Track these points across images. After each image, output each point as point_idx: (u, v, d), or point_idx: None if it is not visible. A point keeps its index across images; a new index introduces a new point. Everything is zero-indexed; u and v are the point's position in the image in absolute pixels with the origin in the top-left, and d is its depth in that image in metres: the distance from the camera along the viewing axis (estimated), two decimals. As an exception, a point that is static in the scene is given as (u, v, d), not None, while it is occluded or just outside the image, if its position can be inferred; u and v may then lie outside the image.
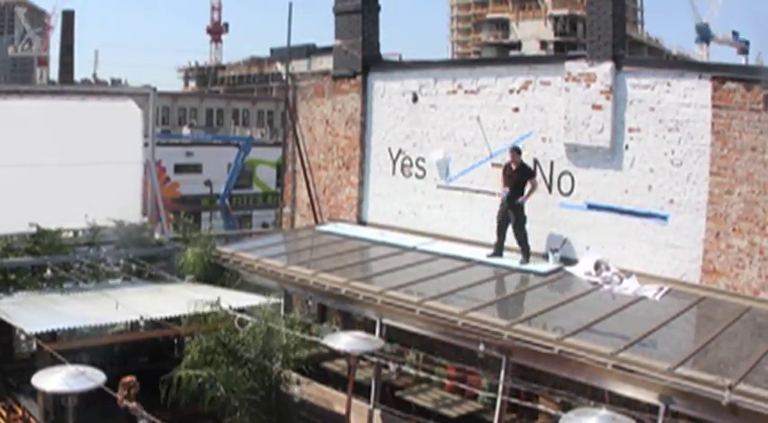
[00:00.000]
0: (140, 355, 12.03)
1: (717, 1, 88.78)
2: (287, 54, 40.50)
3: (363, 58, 15.52)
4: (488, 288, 11.98)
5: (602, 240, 11.93)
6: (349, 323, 13.19)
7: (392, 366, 10.64)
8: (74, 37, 28.72)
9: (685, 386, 7.95)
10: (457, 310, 10.29)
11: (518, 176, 12.23)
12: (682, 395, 8.00)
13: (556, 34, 72.94)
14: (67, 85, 26.37)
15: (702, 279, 10.87)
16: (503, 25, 79.36)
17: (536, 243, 12.57)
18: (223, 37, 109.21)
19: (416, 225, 14.47)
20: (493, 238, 12.57)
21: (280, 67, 78.56)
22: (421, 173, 14.60)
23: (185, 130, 50.79)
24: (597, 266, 11.53)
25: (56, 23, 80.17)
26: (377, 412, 10.88)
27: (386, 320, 10.97)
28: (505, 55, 60.36)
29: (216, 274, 13.46)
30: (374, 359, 10.58)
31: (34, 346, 10.97)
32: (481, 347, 9.75)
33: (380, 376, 11.15)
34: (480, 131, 13.50)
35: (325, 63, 52.88)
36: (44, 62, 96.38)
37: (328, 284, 11.88)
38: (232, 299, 11.15)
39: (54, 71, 62.87)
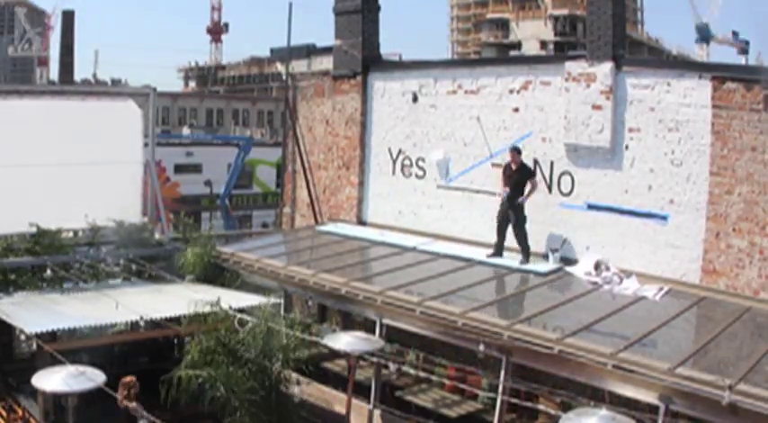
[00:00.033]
0: (140, 355, 12.03)
1: (717, 1, 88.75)
2: (287, 54, 40.50)
3: (363, 58, 15.52)
4: (488, 288, 11.98)
5: (602, 240, 11.93)
6: (349, 323, 13.19)
7: (392, 366, 10.64)
8: (74, 37, 28.73)
9: (685, 386, 7.95)
10: (457, 310, 10.29)
11: (518, 176, 12.23)
12: (682, 395, 8.01)
13: (556, 34, 72.94)
14: (67, 85, 26.37)
15: (702, 279, 10.87)
16: (503, 25, 79.37)
17: (536, 243, 12.58)
18: (223, 37, 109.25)
19: (416, 225, 14.47)
20: (493, 238, 12.56)
21: (280, 67, 78.56)
22: (421, 173, 14.60)
23: (185, 130, 50.80)
24: (597, 266, 11.54)
25: (56, 23, 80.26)
26: (377, 412, 10.88)
27: (386, 320, 10.97)
28: (505, 55, 60.37)
29: (216, 274, 13.46)
30: (374, 359, 10.58)
31: (34, 346, 10.97)
32: (481, 347, 9.75)
33: (380, 376, 11.15)
34: (480, 131, 13.50)
35: (325, 63, 52.89)
36: (44, 62, 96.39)
37: (328, 284, 11.88)
38: (232, 299, 11.14)
39: (54, 71, 62.93)
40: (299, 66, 68.55)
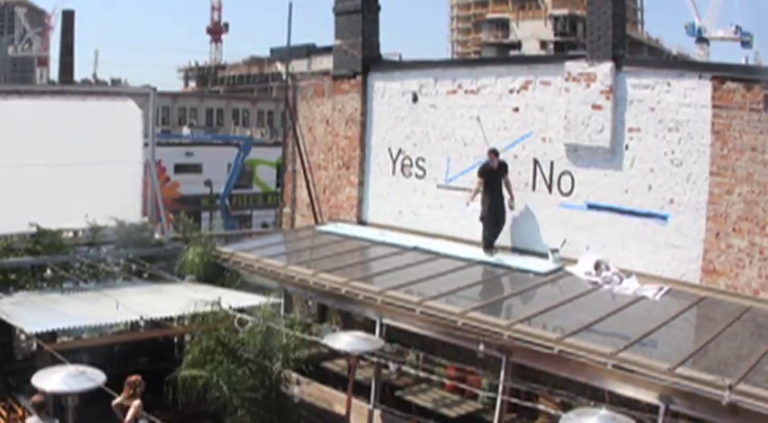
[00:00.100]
0: (140, 355, 12.04)
1: (716, 2, 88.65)
2: (287, 54, 40.50)
3: (363, 58, 15.51)
4: (488, 288, 11.99)
5: (602, 240, 11.92)
6: (349, 323, 13.19)
7: (392, 366, 10.66)
8: (74, 37, 28.69)
9: (685, 386, 7.95)
10: (457, 309, 10.29)
11: (500, 176, 12.54)
12: (682, 395, 8.01)
13: (556, 34, 72.97)
14: (67, 85, 26.36)
15: (702, 279, 10.86)
16: (503, 25, 79.39)
17: (536, 243, 12.60)
18: (223, 37, 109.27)
19: (416, 225, 14.46)
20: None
21: (280, 67, 78.57)
22: (421, 173, 14.60)
23: (185, 130, 50.81)
24: (597, 266, 11.53)
25: (56, 23, 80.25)
26: (377, 412, 10.88)
27: (386, 320, 10.97)
28: (505, 55, 60.37)
29: (216, 274, 13.47)
30: (374, 359, 10.59)
31: (34, 346, 10.98)
32: (481, 347, 9.75)
33: (380, 376, 11.15)
34: (480, 131, 13.50)
35: (325, 63, 52.90)
36: (44, 62, 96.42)
37: (328, 284, 11.88)
38: (232, 299, 11.16)
39: (54, 71, 62.95)
40: (299, 66, 68.58)
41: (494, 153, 12.61)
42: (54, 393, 8.69)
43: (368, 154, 15.56)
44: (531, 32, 74.85)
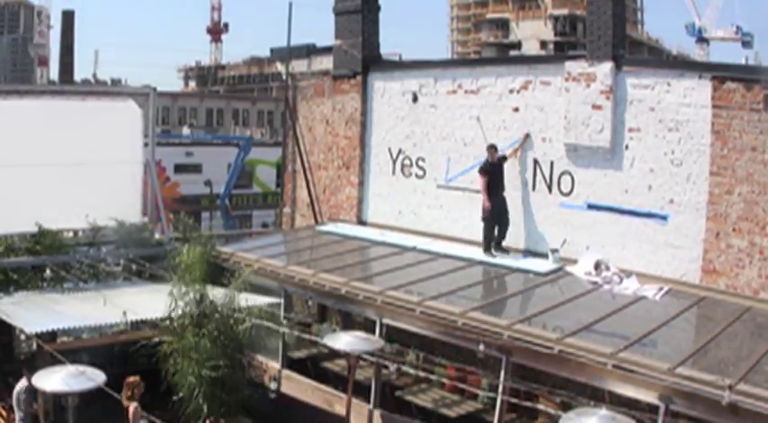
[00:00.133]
0: (140, 355, 12.03)
1: (716, 3, 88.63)
2: (287, 54, 40.49)
3: (363, 58, 15.51)
4: (488, 288, 12.00)
5: (602, 240, 11.92)
6: (349, 323, 13.19)
7: (392, 366, 10.65)
8: (74, 37, 28.79)
9: (685, 386, 7.95)
10: (457, 309, 10.28)
11: (502, 169, 12.62)
12: (682, 395, 8.01)
13: (556, 34, 72.90)
14: (67, 85, 26.39)
15: (702, 279, 10.86)
16: (503, 25, 79.33)
17: (536, 243, 12.61)
18: (223, 37, 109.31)
19: (416, 225, 14.46)
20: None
21: (280, 67, 78.57)
22: (421, 173, 14.60)
23: (185, 130, 50.76)
24: (597, 266, 11.53)
25: (55, 23, 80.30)
26: (377, 412, 10.88)
27: (386, 320, 10.97)
28: (505, 55, 60.32)
29: (216, 274, 13.46)
30: (374, 359, 10.59)
31: (34, 346, 10.98)
32: (481, 347, 9.75)
33: (380, 376, 11.14)
34: (480, 131, 13.50)
35: (325, 63, 52.89)
36: (44, 62, 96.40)
37: (328, 284, 11.88)
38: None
39: (54, 71, 63.00)
40: (299, 66, 68.57)
41: (493, 148, 12.63)
42: (54, 393, 8.69)
43: (368, 154, 15.56)
44: (531, 32, 74.80)
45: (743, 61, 45.64)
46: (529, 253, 12.65)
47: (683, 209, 11.09)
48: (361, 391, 11.00)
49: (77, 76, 42.75)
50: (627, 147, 11.69)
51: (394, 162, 15.06)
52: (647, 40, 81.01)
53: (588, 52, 12.11)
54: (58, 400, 9.34)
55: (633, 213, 11.61)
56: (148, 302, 11.43)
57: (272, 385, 11.90)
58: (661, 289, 10.84)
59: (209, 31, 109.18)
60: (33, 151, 13.42)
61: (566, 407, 8.83)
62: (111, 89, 32.40)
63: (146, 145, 15.40)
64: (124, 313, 10.53)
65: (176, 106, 61.60)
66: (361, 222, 15.57)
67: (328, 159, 16.30)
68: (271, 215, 26.89)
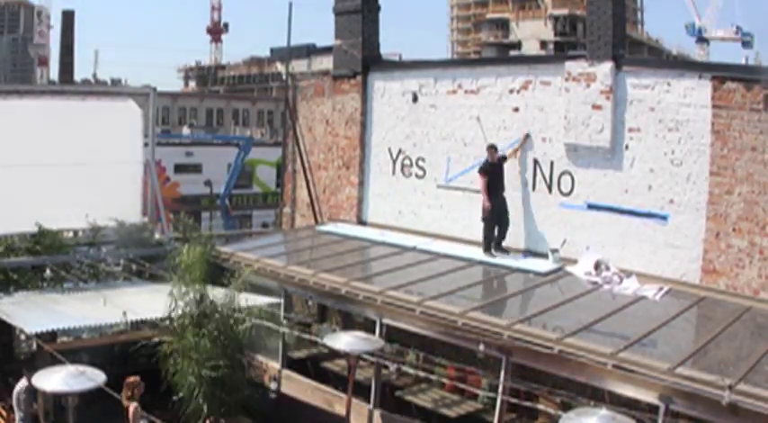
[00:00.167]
0: (140, 355, 12.03)
1: (716, 3, 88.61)
2: (287, 54, 40.49)
3: (363, 58, 15.51)
4: (488, 288, 11.99)
5: (602, 240, 11.92)
6: (349, 323, 13.19)
7: (392, 366, 10.65)
8: (74, 37, 28.80)
9: (685, 386, 7.95)
10: (457, 309, 10.28)
11: (502, 169, 12.63)
12: (682, 395, 8.00)
13: (556, 34, 72.89)
14: (67, 85, 26.39)
15: (702, 279, 10.86)
16: (503, 25, 79.32)
17: (536, 243, 12.61)
18: (223, 37, 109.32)
19: (416, 225, 14.46)
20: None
21: (280, 67, 78.59)
22: (421, 173, 14.60)
23: (185, 130, 50.75)
24: (597, 266, 11.53)
25: (55, 23, 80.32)
26: (377, 412, 10.88)
27: (386, 320, 10.97)
28: (505, 55, 60.31)
29: (216, 274, 13.46)
30: (374, 359, 10.59)
31: (34, 346, 10.98)
32: (481, 347, 9.75)
33: (380, 376, 11.15)
34: (480, 131, 13.50)
35: (325, 63, 52.91)
36: (44, 62, 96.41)
37: (328, 284, 11.88)
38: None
39: (54, 71, 63.01)
40: (299, 66, 68.58)
41: (493, 148, 12.63)
42: (54, 393, 8.69)
43: (368, 154, 15.56)
44: (531, 32, 74.79)
45: (743, 61, 45.61)
46: (529, 253, 12.65)
47: (683, 209, 11.09)
48: (361, 391, 11.00)
49: (77, 76, 42.78)
50: (627, 147, 11.69)
51: (394, 162, 15.06)
52: (647, 40, 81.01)
53: (588, 52, 12.11)
54: (58, 400, 9.34)
55: (633, 213, 11.61)
56: (148, 302, 11.42)
57: (272, 385, 11.91)
58: (661, 289, 10.84)
59: (209, 31, 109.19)
60: (33, 151, 13.41)
61: (566, 407, 8.83)
62: (111, 89, 32.41)
63: (146, 145, 15.40)
64: (124, 313, 10.54)
65: (176, 106, 61.61)
66: (361, 222, 15.57)
67: (328, 159, 16.30)
68: (271, 215, 26.89)
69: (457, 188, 13.89)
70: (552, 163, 12.56)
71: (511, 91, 13.08)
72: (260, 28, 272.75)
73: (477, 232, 12.88)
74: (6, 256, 12.95)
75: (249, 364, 11.65)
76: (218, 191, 33.43)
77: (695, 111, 10.90)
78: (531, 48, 71.82)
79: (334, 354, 11.67)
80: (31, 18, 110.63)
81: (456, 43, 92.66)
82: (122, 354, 11.83)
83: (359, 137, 15.60)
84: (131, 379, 9.76)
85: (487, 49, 75.69)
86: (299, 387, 12.07)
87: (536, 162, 12.74)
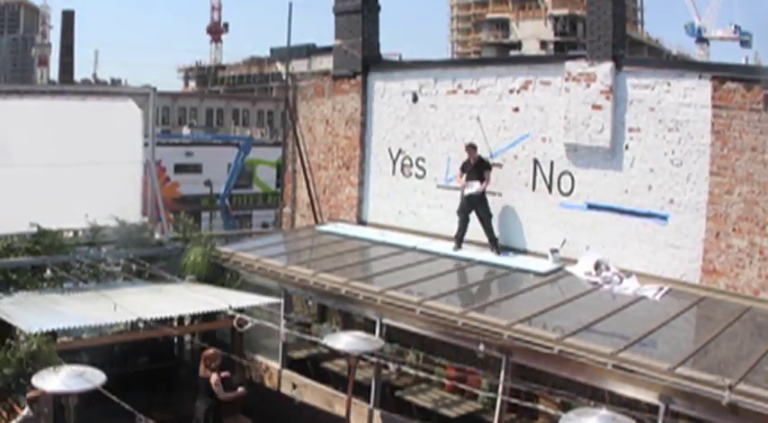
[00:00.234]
0: (140, 355, 12.03)
1: (715, 2, 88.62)
2: (287, 54, 40.48)
3: (363, 58, 15.51)
4: (488, 288, 12.00)
5: (602, 240, 11.92)
6: (349, 323, 13.19)
7: (392, 366, 10.64)
8: (74, 37, 28.74)
9: (685, 386, 7.95)
10: (457, 309, 10.29)
11: (476, 171, 12.70)
12: (682, 395, 8.00)
13: (556, 34, 72.95)
14: (67, 85, 26.38)
15: (702, 279, 10.86)
16: (503, 25, 79.38)
17: (536, 243, 12.60)
18: (223, 37, 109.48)
19: (416, 225, 14.46)
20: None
21: (280, 67, 78.59)
22: (421, 173, 14.60)
23: (185, 130, 50.76)
24: (597, 266, 11.53)
25: (55, 23, 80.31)
26: (377, 412, 10.88)
27: (386, 320, 10.97)
28: (505, 55, 60.36)
29: (216, 274, 13.46)
30: (374, 359, 10.59)
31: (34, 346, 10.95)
32: (481, 347, 9.75)
33: (380, 376, 11.15)
34: (480, 131, 13.50)
35: (325, 63, 52.88)
36: (44, 62, 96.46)
37: (328, 284, 11.88)
38: (232, 299, 11.16)
39: (54, 71, 63.03)
40: (299, 66, 68.55)
41: (471, 147, 12.81)
42: (54, 393, 8.69)
43: (368, 154, 15.56)
44: (531, 32, 74.84)
45: (742, 61, 45.59)
46: (529, 253, 12.64)
47: (683, 209, 11.09)
48: (361, 391, 10.99)
49: (77, 77, 42.75)
50: (627, 147, 11.69)
51: (394, 162, 15.06)
52: (647, 40, 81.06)
53: (588, 52, 12.11)
54: (58, 400, 9.32)
55: (633, 213, 11.61)
56: (148, 302, 11.42)
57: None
58: (661, 289, 10.84)
59: (209, 31, 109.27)
60: (33, 151, 13.40)
61: (566, 407, 8.83)
62: (111, 89, 32.39)
63: (146, 145, 15.38)
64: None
65: (176, 106, 61.64)
66: (361, 222, 15.57)
67: (328, 159, 16.30)
68: (271, 215, 26.90)
69: (457, 188, 13.88)
70: (552, 163, 12.56)
71: (511, 91, 13.08)
72: (260, 28, 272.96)
73: (477, 232, 12.88)
74: (6, 257, 12.93)
75: (249, 364, 11.63)
76: (218, 191, 33.43)
77: (695, 111, 10.90)
78: (531, 48, 71.86)
79: (334, 354, 11.67)
80: (31, 18, 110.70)
81: (456, 43, 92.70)
82: (122, 354, 11.84)
83: (359, 137, 15.60)
84: (209, 352, 10.29)
85: (487, 50, 75.80)
86: (299, 387, 12.05)
87: (536, 162, 12.74)
